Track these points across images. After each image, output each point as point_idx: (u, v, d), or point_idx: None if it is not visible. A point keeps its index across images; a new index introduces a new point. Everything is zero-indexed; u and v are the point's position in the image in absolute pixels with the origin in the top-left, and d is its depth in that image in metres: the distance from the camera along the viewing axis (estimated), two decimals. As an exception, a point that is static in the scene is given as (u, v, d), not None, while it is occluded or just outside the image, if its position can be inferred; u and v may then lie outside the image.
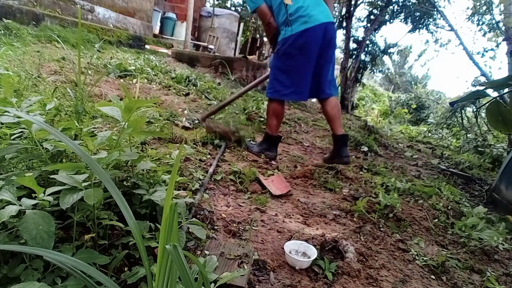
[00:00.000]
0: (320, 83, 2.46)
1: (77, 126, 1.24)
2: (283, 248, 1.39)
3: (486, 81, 4.86)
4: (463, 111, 4.75)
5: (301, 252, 1.40)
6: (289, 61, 2.38)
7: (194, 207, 1.52)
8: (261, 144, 2.66)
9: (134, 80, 3.57)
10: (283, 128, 3.65)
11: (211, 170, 2.02)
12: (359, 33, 8.42)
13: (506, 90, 1.60)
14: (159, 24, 9.24)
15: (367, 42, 8.06)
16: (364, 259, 1.47)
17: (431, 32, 7.19)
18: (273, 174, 2.28)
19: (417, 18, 6.80)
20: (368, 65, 8.54)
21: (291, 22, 2.28)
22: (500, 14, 5.25)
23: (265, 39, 9.81)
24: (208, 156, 2.29)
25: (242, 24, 10.63)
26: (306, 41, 2.29)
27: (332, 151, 2.58)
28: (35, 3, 4.84)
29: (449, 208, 2.21)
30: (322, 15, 2.31)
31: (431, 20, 6.87)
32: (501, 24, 5.04)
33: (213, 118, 3.06)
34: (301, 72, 2.39)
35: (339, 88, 7.73)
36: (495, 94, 1.37)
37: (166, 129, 2.44)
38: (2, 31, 3.53)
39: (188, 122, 2.86)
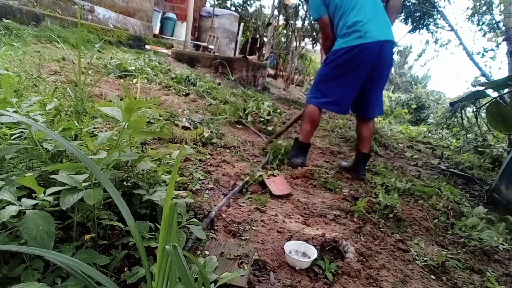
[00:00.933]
0: (368, 102, 2.42)
1: (77, 126, 1.24)
2: (283, 248, 1.39)
3: (486, 81, 4.86)
4: (463, 111, 4.74)
5: (301, 252, 1.40)
6: (334, 72, 2.34)
7: (194, 207, 1.52)
8: (290, 151, 2.63)
9: (134, 80, 3.57)
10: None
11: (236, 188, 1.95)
12: (359, 33, 8.36)
13: (506, 90, 1.61)
14: (159, 24, 9.25)
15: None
16: (364, 259, 1.47)
17: (431, 32, 7.17)
18: (274, 175, 2.28)
19: (417, 18, 6.78)
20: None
21: (346, 34, 2.24)
22: (500, 14, 5.24)
23: (265, 39, 9.82)
24: (208, 157, 2.29)
25: (242, 24, 10.64)
26: (356, 56, 2.23)
27: (351, 163, 2.62)
28: (35, 3, 4.84)
29: (449, 208, 2.21)
30: (380, 32, 2.23)
31: (431, 20, 6.85)
32: (501, 24, 5.04)
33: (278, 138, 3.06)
34: (344, 86, 2.34)
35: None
36: (495, 94, 1.37)
37: (166, 129, 2.44)
38: (2, 31, 3.54)
39: (188, 122, 2.86)
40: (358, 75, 2.29)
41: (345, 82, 2.33)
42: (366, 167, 2.85)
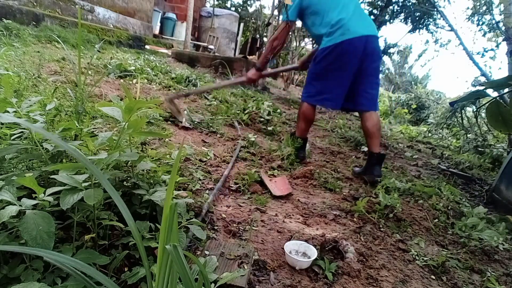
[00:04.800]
0: (357, 95, 2.49)
1: (77, 126, 1.24)
2: (283, 248, 1.39)
3: (486, 81, 4.86)
4: (463, 111, 4.74)
5: (301, 252, 1.40)
6: (325, 69, 2.45)
7: (194, 207, 1.52)
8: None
9: (134, 80, 3.57)
10: (283, 129, 3.66)
11: (226, 172, 2.06)
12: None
13: (506, 90, 1.61)
14: (159, 24, 9.24)
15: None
16: (364, 259, 1.47)
17: (431, 32, 7.17)
18: (274, 175, 2.28)
19: (417, 18, 6.77)
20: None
21: (331, 33, 2.35)
22: (500, 14, 5.23)
23: (265, 39, 9.81)
24: (208, 157, 2.29)
25: (242, 24, 10.63)
26: (342, 52, 2.34)
27: (365, 166, 2.59)
28: (35, 4, 4.84)
29: (449, 208, 2.21)
30: (363, 28, 2.35)
31: (431, 20, 6.84)
32: (501, 24, 5.03)
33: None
34: (336, 81, 2.45)
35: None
36: (495, 94, 1.37)
37: (166, 129, 2.44)
38: (3, 32, 3.53)
39: (188, 123, 2.86)
40: (347, 69, 2.40)
41: (336, 77, 2.44)
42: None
